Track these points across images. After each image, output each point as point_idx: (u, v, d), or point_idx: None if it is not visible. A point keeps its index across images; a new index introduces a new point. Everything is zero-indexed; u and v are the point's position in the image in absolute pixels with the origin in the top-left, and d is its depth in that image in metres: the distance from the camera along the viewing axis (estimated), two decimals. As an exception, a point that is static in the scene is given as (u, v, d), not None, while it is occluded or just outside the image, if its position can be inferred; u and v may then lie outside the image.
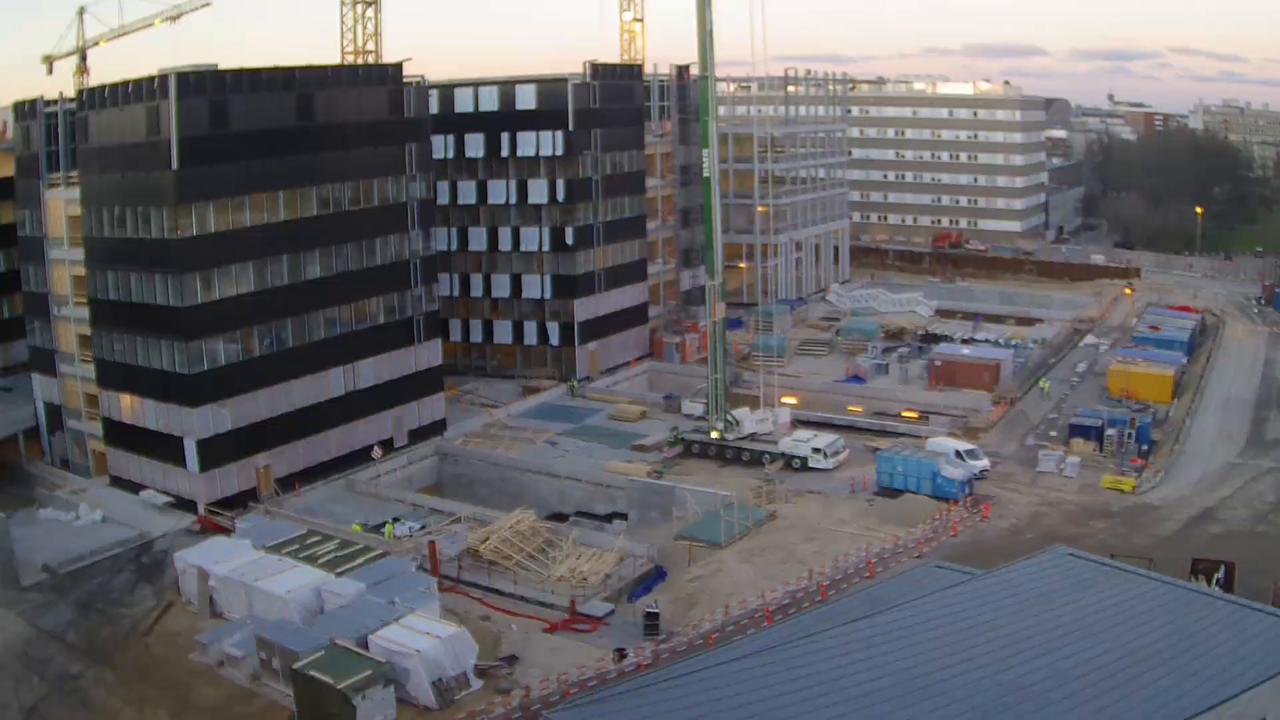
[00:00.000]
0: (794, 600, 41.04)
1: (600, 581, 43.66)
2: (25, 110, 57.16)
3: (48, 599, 43.12)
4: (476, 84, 64.79)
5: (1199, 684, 25.23)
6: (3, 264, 62.64)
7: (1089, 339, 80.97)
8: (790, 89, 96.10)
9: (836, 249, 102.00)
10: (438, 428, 62.44)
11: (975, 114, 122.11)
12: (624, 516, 53.52)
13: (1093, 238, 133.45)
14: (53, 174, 55.61)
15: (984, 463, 53.14)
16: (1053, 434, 60.73)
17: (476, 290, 65.02)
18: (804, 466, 54.86)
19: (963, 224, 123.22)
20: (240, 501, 52.23)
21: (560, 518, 52.92)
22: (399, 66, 59.58)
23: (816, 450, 55.08)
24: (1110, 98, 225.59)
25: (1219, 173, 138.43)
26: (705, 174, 55.59)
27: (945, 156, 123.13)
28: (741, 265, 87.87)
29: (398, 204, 59.15)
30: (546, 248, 69.85)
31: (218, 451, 52.01)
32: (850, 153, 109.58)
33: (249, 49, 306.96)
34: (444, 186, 62.39)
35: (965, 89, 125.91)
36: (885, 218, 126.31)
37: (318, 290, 55.15)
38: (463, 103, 63.85)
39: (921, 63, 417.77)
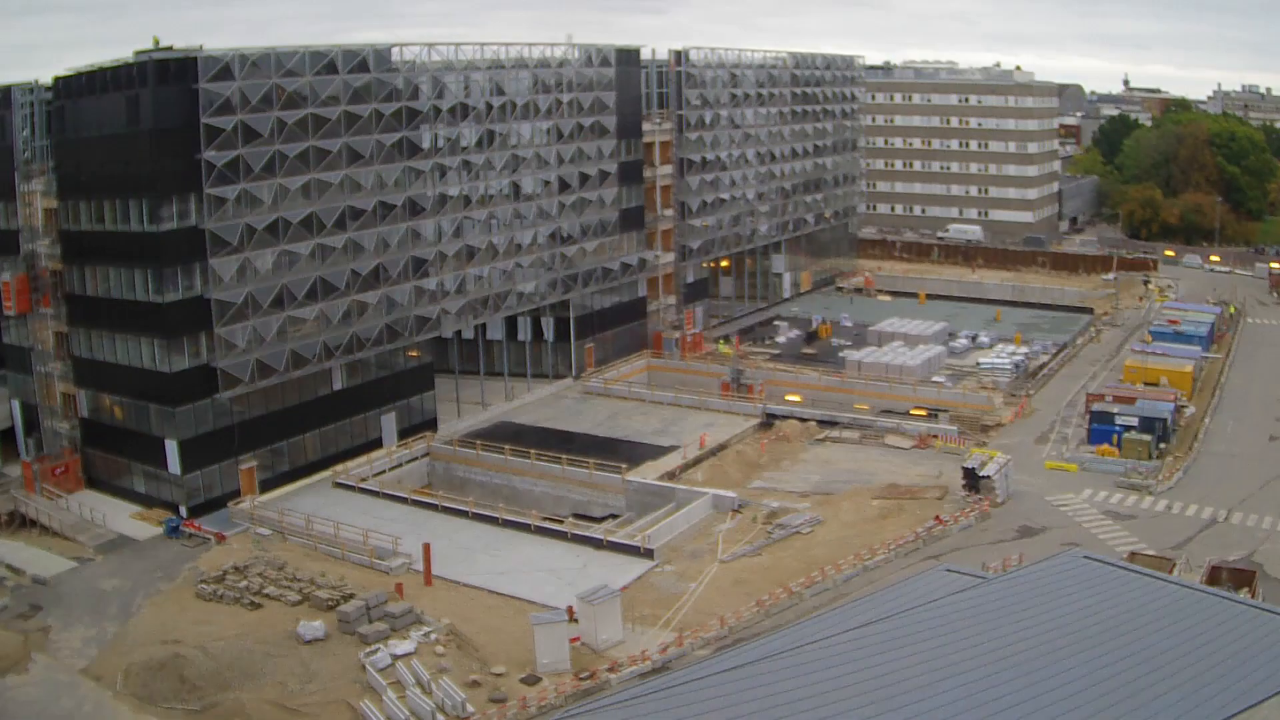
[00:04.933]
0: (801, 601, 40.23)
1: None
2: (0, 98, 55.43)
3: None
4: (468, 69, 62.76)
5: (1219, 691, 24.13)
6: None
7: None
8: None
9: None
10: (429, 427, 60.74)
11: (985, 100, 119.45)
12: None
13: (1107, 229, 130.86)
14: (29, 165, 53.95)
15: None
16: (1067, 431, 59.00)
17: (470, 285, 63.22)
18: None
19: (972, 213, 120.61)
20: (222, 504, 50.60)
21: (556, 520, 51.03)
22: (387, 51, 57.64)
23: None
24: (1125, 83, 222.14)
25: (1239, 161, 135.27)
26: None
27: (955, 144, 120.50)
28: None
29: (388, 195, 57.28)
30: (541, 241, 67.90)
31: (200, 452, 50.44)
32: (857, 142, 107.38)
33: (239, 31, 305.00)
34: (434, 177, 60.53)
35: (976, 75, 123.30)
36: (894, 208, 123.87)
37: (306, 285, 53.33)
38: (454, 89, 61.86)
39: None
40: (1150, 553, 41.46)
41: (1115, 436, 54.60)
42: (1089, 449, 55.27)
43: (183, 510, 50.13)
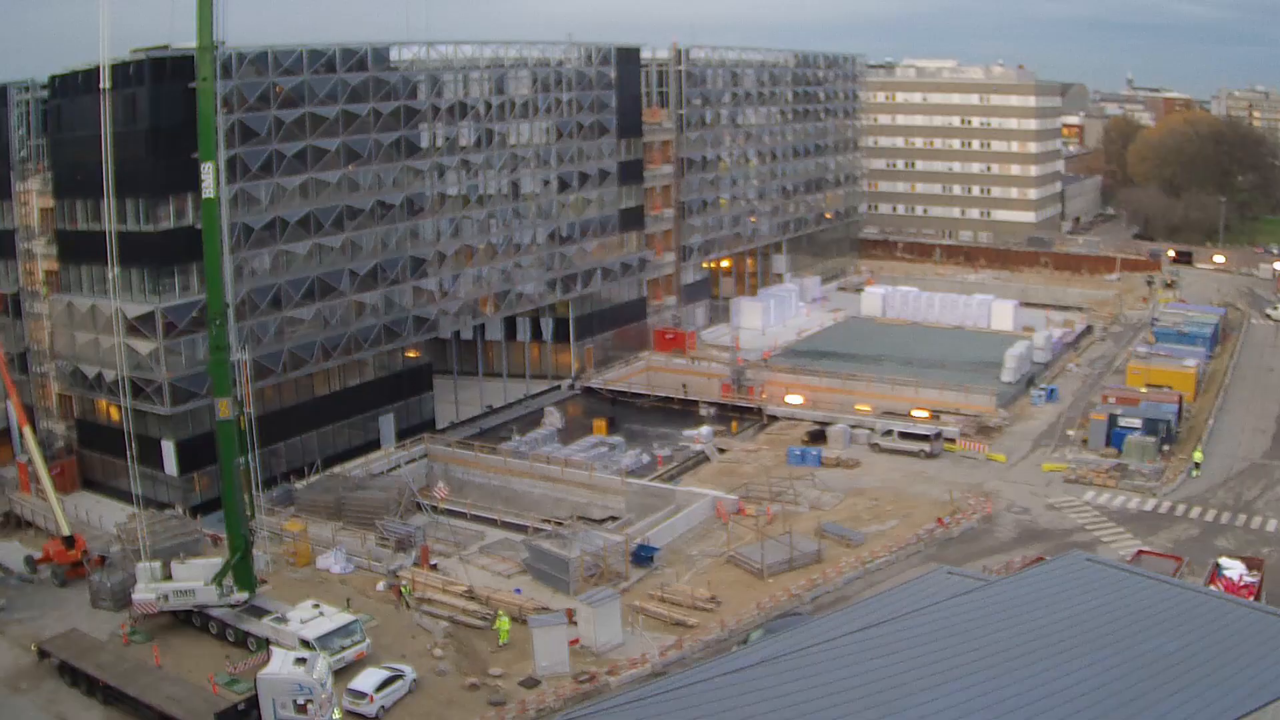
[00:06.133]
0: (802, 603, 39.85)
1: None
2: (-3, 97, 55.11)
3: None
4: (467, 68, 62.43)
5: (1222, 694, 23.96)
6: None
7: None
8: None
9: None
10: (427, 427, 60.38)
11: (988, 99, 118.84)
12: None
13: (1110, 229, 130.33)
14: (25, 164, 53.61)
15: None
16: (1070, 433, 58.60)
17: (469, 285, 62.95)
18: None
19: (974, 214, 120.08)
20: (219, 506, 50.11)
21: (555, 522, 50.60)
22: (386, 50, 57.34)
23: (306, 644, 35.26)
24: (1129, 82, 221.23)
25: (1242, 161, 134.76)
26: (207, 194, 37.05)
27: (957, 144, 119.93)
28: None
29: (387, 194, 56.96)
30: (540, 240, 67.57)
31: (197, 453, 50.05)
32: (858, 142, 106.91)
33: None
34: (433, 176, 60.24)
35: (978, 73, 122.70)
36: (895, 208, 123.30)
37: (303, 285, 52.99)
38: (453, 88, 61.55)
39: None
40: (1158, 551, 41.20)
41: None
42: (1093, 452, 54.95)
43: (179, 512, 49.71)
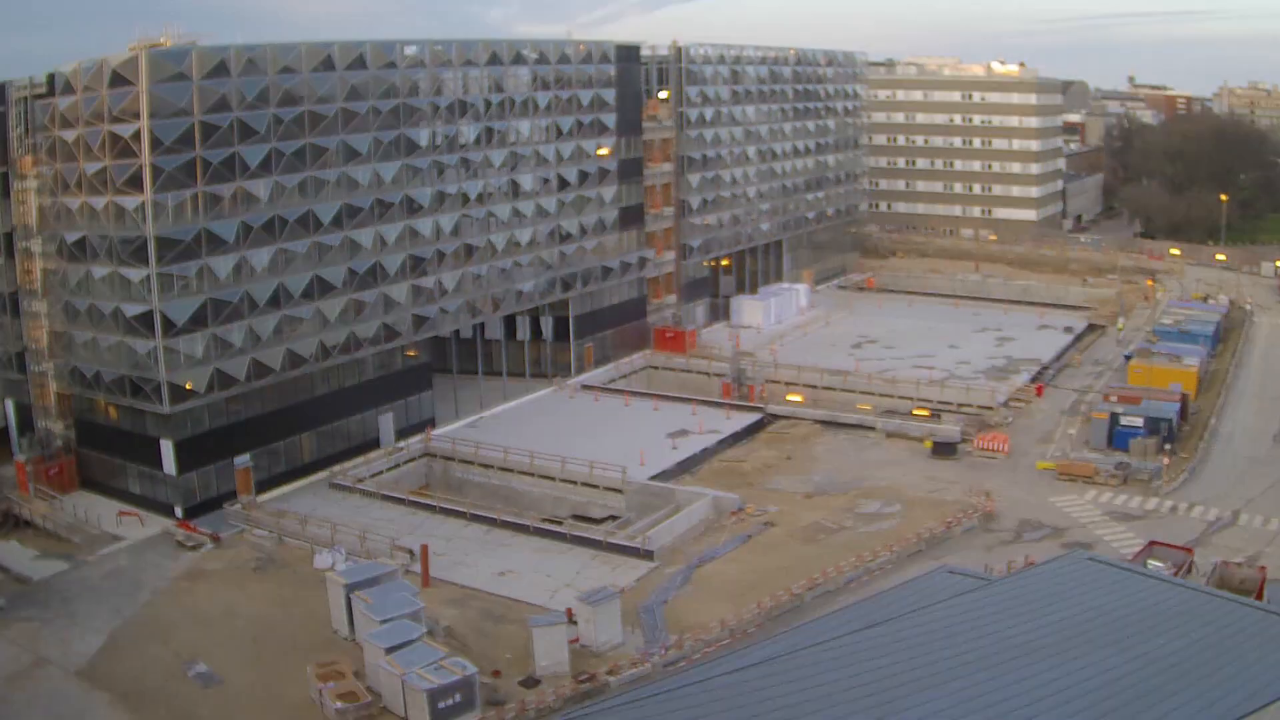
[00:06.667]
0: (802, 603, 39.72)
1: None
2: (-5, 95, 54.85)
3: None
4: (466, 65, 62.27)
5: (1225, 695, 23.96)
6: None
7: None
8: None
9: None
10: (426, 427, 60.18)
11: (989, 97, 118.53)
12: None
13: (1112, 227, 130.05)
14: (23, 162, 53.41)
15: None
16: (1071, 432, 58.41)
17: (468, 283, 62.81)
18: None
19: (975, 212, 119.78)
20: (218, 505, 50.11)
21: (554, 522, 50.48)
22: (385, 47, 57.11)
23: None
24: (1131, 79, 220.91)
25: (1245, 158, 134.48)
26: None
27: (958, 142, 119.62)
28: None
29: (386, 193, 56.82)
30: (540, 239, 67.39)
31: (196, 453, 49.95)
32: (859, 139, 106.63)
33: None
34: (433, 174, 60.11)
35: (979, 71, 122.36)
36: (894, 206, 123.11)
37: (303, 284, 52.86)
38: (453, 85, 61.40)
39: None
40: (1167, 542, 41.17)
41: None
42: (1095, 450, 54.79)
43: (178, 511, 49.70)
